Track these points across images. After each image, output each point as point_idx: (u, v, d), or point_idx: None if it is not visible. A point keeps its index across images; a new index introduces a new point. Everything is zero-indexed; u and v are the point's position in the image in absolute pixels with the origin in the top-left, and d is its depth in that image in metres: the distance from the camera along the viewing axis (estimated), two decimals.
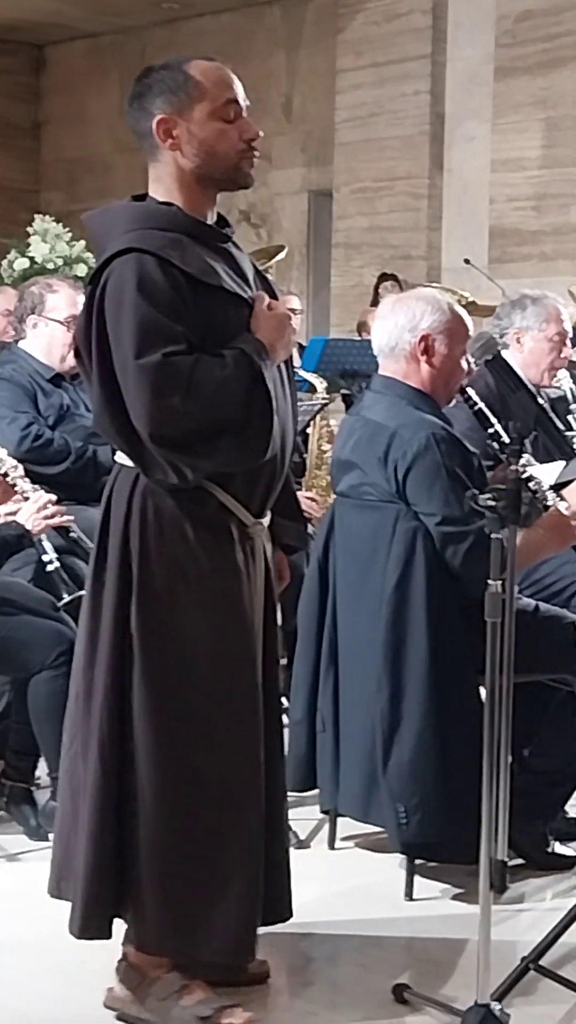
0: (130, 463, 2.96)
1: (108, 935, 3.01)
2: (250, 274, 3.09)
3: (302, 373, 5.87)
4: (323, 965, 3.25)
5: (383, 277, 10.73)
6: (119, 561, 2.96)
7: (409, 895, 3.69)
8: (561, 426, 4.63)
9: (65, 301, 4.92)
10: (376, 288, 10.60)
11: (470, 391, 3.88)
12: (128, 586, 2.95)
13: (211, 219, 3.05)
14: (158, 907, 2.96)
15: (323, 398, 5.82)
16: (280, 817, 3.15)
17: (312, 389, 5.90)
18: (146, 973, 3.03)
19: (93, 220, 3.10)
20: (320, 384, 5.93)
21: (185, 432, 2.83)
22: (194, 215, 2.99)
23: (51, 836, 3.96)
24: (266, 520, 3.08)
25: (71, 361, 4.95)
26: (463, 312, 3.79)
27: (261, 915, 3.04)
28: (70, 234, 10.44)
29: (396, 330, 3.74)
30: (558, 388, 5.00)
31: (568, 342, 4.59)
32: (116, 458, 3.05)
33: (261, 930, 3.06)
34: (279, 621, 3.20)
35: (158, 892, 2.95)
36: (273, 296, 3.11)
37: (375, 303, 9.66)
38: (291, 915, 3.18)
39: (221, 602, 2.96)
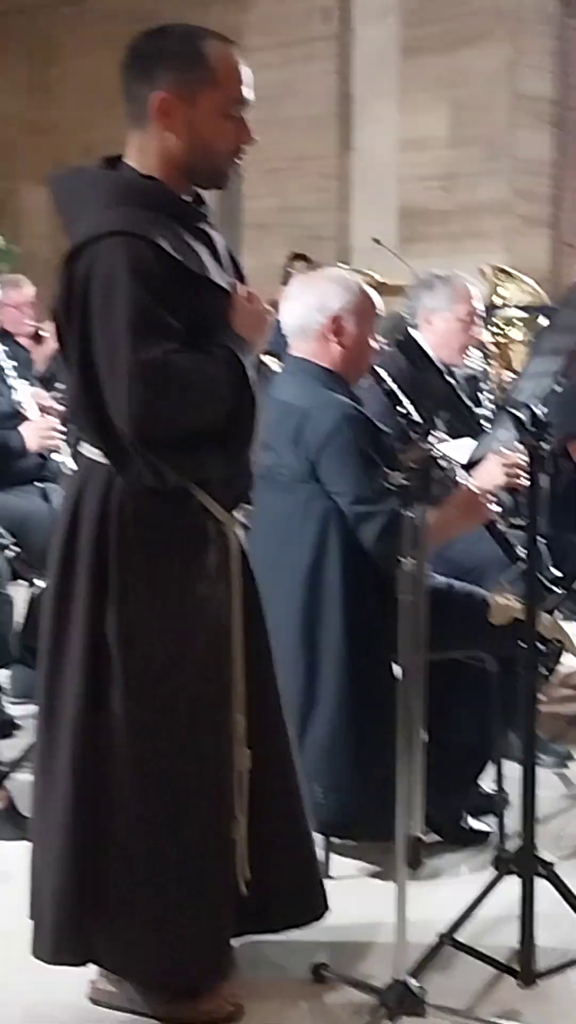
0: (102, 459, 2.79)
1: (83, 962, 2.91)
2: (224, 255, 2.95)
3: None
4: (242, 946, 3.24)
5: (294, 257, 10.73)
6: (91, 566, 2.79)
7: (326, 874, 3.70)
8: (471, 405, 4.66)
9: None
10: (287, 268, 10.60)
11: (380, 371, 3.89)
12: (102, 593, 2.79)
13: (188, 197, 2.90)
14: (133, 931, 2.85)
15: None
16: (292, 818, 3.06)
17: None
18: None
19: (61, 183, 2.90)
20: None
21: (172, 435, 2.70)
22: (176, 192, 2.83)
23: None
24: (240, 513, 2.98)
25: None
26: (372, 292, 3.80)
27: (267, 920, 3.05)
28: None
29: (306, 310, 3.74)
30: (470, 367, 5.03)
31: (478, 320, 4.61)
32: (83, 451, 2.89)
33: None
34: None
35: (134, 916, 2.84)
36: (241, 276, 2.99)
37: (286, 283, 9.66)
38: (326, 909, 3.13)
39: (198, 609, 2.84)
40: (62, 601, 2.85)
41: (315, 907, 3.11)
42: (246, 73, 2.84)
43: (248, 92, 2.84)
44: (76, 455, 2.95)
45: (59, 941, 2.85)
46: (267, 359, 6.03)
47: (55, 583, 2.88)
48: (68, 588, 2.84)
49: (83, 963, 2.91)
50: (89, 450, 2.85)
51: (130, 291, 2.66)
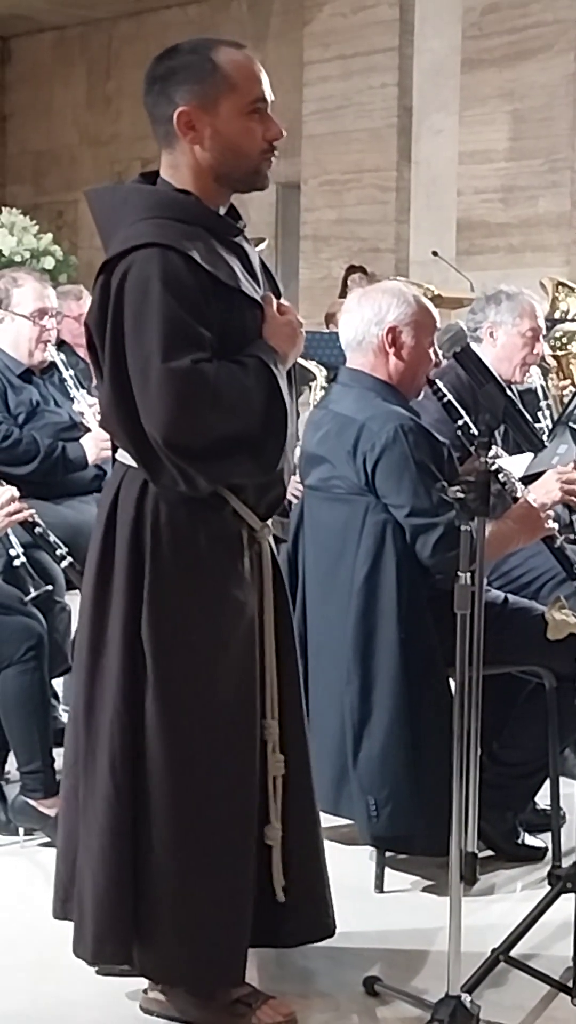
0: (136, 465, 2.83)
1: (126, 961, 2.92)
2: (258, 269, 2.98)
3: (301, 361, 5.97)
4: (294, 958, 3.24)
5: (351, 269, 10.73)
6: (127, 569, 2.83)
7: (379, 887, 3.69)
8: (530, 418, 4.63)
9: (31, 295, 4.89)
10: (344, 280, 10.61)
11: (439, 383, 3.88)
12: (138, 596, 2.82)
13: (223, 211, 2.93)
14: (165, 933, 2.86)
15: (323, 386, 5.91)
16: (311, 830, 3.07)
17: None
18: None
19: (99, 199, 2.95)
20: (320, 372, 6.01)
21: (203, 443, 2.72)
22: (209, 205, 2.86)
23: (21, 831, 3.99)
24: (271, 521, 3.00)
25: (40, 355, 4.94)
26: (429, 304, 3.79)
27: (286, 935, 3.04)
28: (37, 227, 10.40)
29: (363, 323, 3.73)
30: (529, 383, 5.00)
31: (541, 339, 4.60)
32: (119, 458, 2.92)
33: None
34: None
35: (166, 918, 2.86)
36: (277, 290, 3.01)
37: (343, 295, 9.67)
38: (333, 932, 3.11)
39: (230, 615, 2.87)
40: (99, 606, 2.90)
41: (328, 924, 3.11)
42: (260, 73, 2.86)
43: (264, 91, 2.86)
44: (114, 460, 2.99)
45: (101, 941, 2.88)
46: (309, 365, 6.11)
47: (92, 588, 2.92)
48: (105, 593, 2.88)
49: (123, 963, 2.93)
50: (125, 456, 2.89)
51: (162, 302, 2.70)
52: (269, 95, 2.86)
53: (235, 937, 2.91)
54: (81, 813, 2.91)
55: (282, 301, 2.96)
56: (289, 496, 5.18)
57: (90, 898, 2.86)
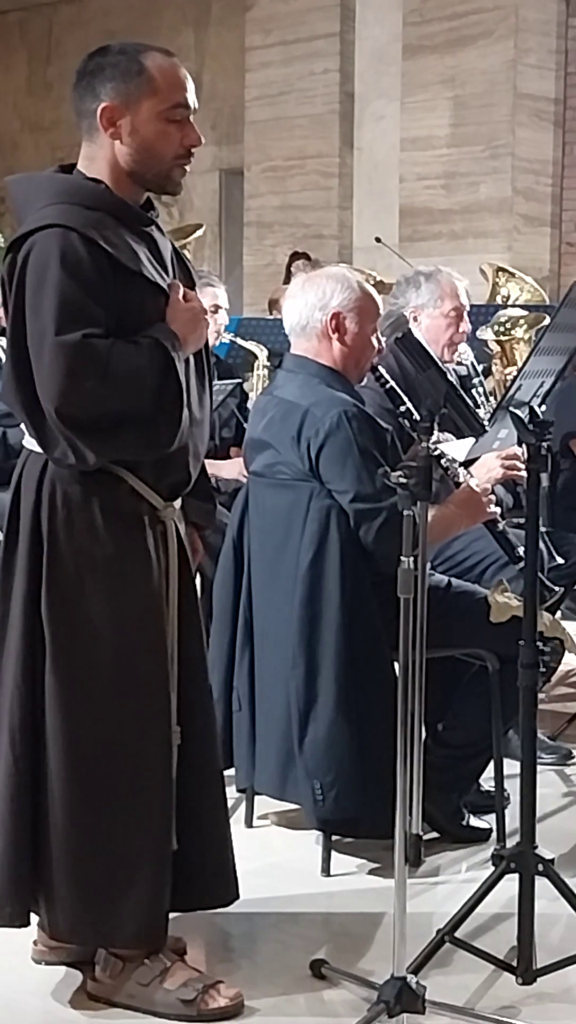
0: (36, 447, 2.92)
1: (25, 923, 3.00)
2: (168, 259, 3.06)
3: (240, 342, 6.08)
4: (241, 942, 3.26)
5: (295, 256, 10.74)
6: (28, 548, 2.94)
7: (326, 871, 3.71)
8: (471, 403, 4.65)
9: None
10: (288, 267, 10.61)
11: (381, 369, 3.89)
12: (37, 574, 2.93)
13: (137, 204, 3.01)
14: (68, 894, 2.96)
15: (265, 365, 5.98)
16: (214, 800, 3.13)
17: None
18: (127, 959, 3.02)
19: (16, 185, 3.05)
20: (262, 352, 6.05)
21: (92, 415, 2.81)
22: (121, 196, 2.96)
23: None
24: (178, 503, 3.07)
25: None
26: (373, 290, 3.81)
27: (182, 899, 3.06)
28: None
29: (307, 309, 3.74)
30: (462, 364, 5.00)
31: (466, 316, 4.59)
32: (25, 443, 3.02)
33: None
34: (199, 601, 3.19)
35: (68, 879, 2.95)
36: (190, 281, 3.10)
37: (287, 282, 9.67)
38: (238, 896, 3.15)
39: (129, 589, 2.94)
40: (4, 585, 3.01)
41: (228, 892, 3.16)
42: (185, 81, 2.97)
43: (187, 98, 2.96)
44: (23, 447, 3.07)
45: (0, 904, 2.98)
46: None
47: (0, 569, 3.04)
48: (9, 573, 2.99)
49: (22, 925, 3.01)
50: (29, 441, 2.98)
51: (59, 280, 2.80)
52: (193, 103, 2.97)
53: (145, 899, 2.96)
54: None
55: (188, 289, 3.03)
56: (239, 477, 5.22)
57: None
